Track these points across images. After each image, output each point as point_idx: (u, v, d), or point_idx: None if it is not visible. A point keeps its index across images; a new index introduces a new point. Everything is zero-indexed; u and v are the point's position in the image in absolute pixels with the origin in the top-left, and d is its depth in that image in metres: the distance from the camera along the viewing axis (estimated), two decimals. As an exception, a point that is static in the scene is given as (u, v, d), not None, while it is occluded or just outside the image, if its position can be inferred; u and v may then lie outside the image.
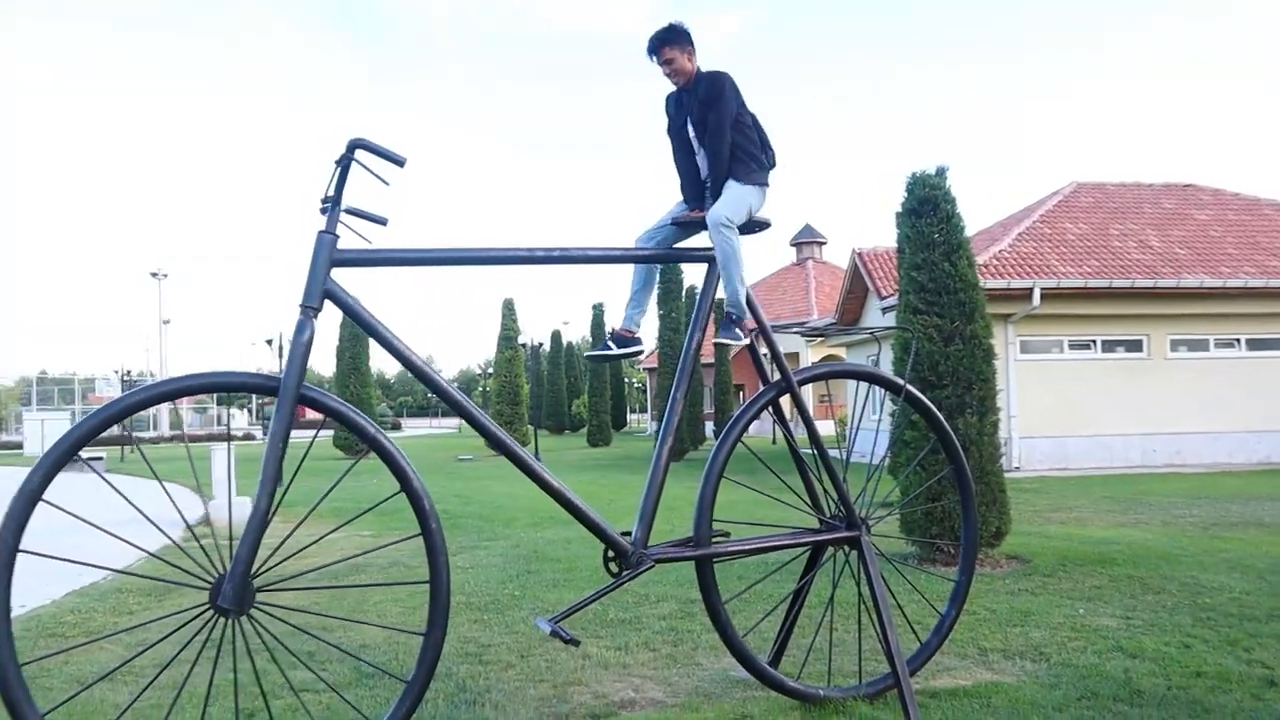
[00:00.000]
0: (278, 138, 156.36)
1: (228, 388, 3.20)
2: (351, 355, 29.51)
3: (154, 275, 53.25)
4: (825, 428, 40.38)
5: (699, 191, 4.18)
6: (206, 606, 3.16)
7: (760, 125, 4.16)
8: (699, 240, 4.16)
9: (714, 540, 4.00)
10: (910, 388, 4.50)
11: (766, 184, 4.10)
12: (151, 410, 65.57)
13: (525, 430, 31.44)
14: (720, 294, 4.03)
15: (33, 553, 2.98)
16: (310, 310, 3.27)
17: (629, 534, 3.83)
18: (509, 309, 32.61)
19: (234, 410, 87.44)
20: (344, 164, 3.21)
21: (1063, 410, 17.44)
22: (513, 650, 5.38)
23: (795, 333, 5.16)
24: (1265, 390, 17.79)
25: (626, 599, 6.64)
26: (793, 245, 50.45)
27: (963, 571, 4.68)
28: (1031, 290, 16.43)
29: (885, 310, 20.74)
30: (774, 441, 35.13)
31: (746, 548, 4.10)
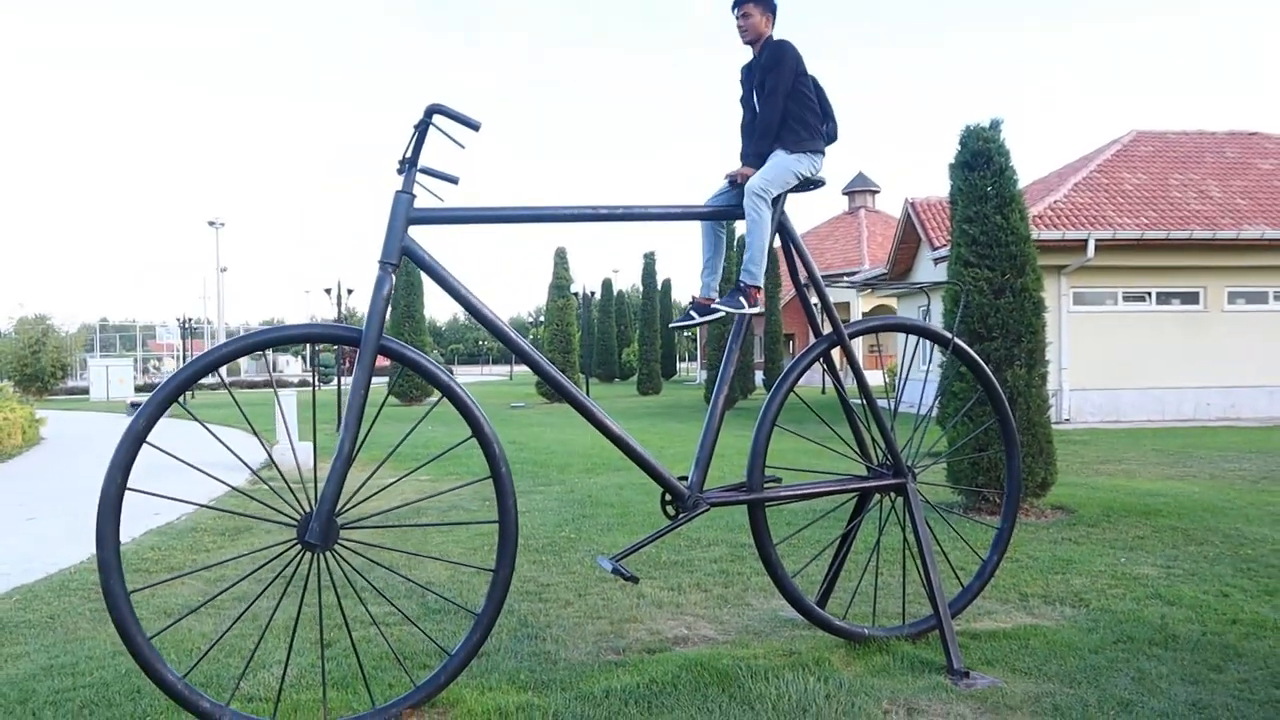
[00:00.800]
0: (338, 95, 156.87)
1: (318, 339, 3.45)
2: (406, 304, 30.03)
3: (211, 224, 54.19)
4: (875, 378, 40.39)
5: (751, 143, 4.33)
6: (294, 543, 3.43)
7: (824, 95, 4.28)
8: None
9: (766, 486, 4.20)
10: (958, 340, 4.64)
11: (820, 152, 4.22)
12: (210, 356, 67.56)
13: (577, 378, 31.83)
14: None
15: (139, 490, 3.28)
16: (389, 266, 3.48)
17: (685, 479, 4.05)
18: (561, 258, 32.83)
19: (289, 358, 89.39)
20: (422, 128, 3.41)
21: (1115, 362, 17.32)
22: (570, 589, 5.67)
23: (845, 285, 5.26)
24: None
25: (679, 543, 6.91)
26: (845, 194, 49.97)
27: (1005, 518, 4.85)
28: (1086, 241, 16.25)
29: (937, 261, 20.62)
30: (823, 391, 35.24)
31: (797, 493, 4.30)
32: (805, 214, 58.75)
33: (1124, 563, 6.15)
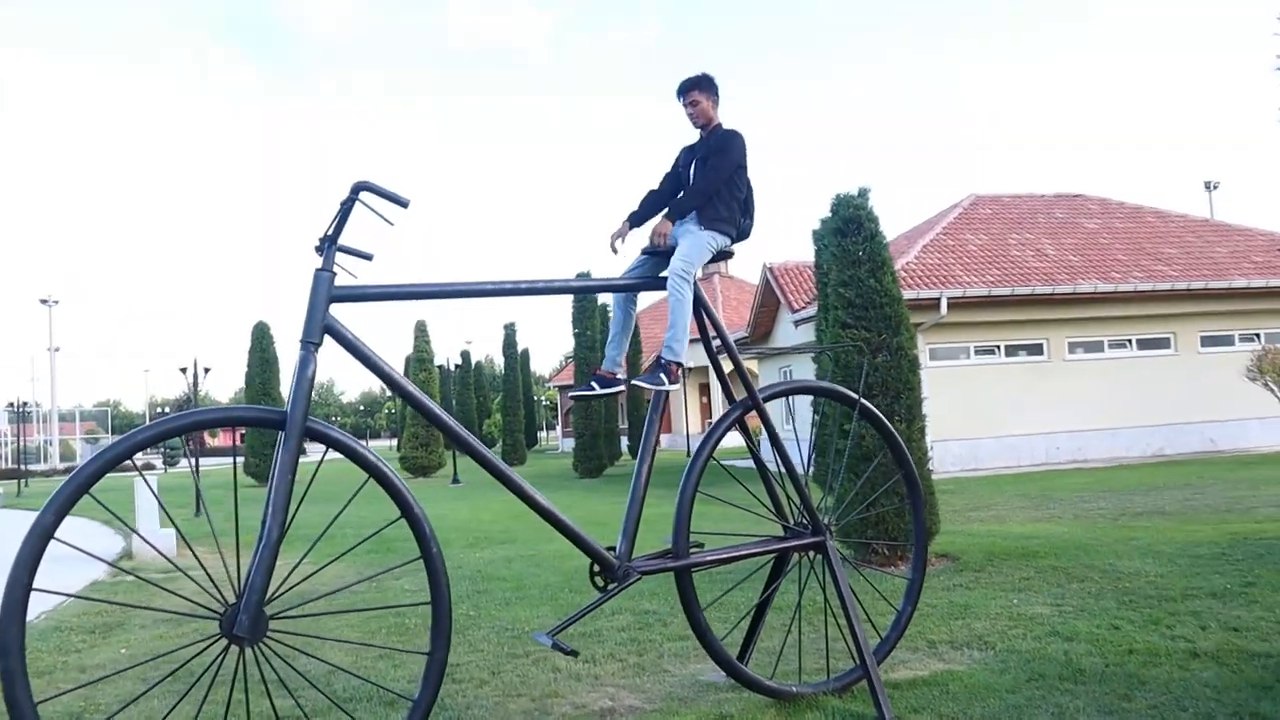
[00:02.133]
0: (168, 157, 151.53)
1: (238, 422, 3.29)
2: (261, 381, 28.95)
3: (44, 302, 51.10)
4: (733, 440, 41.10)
5: (652, 213, 4.43)
6: (218, 637, 3.23)
7: (753, 197, 4.46)
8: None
9: (691, 551, 4.22)
10: (864, 401, 4.82)
11: (730, 236, 4.37)
12: (40, 439, 62.85)
13: (442, 453, 31.20)
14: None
15: (42, 590, 3.04)
16: (311, 345, 3.38)
17: (613, 549, 4.02)
18: (421, 331, 32.33)
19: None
20: (347, 205, 3.34)
21: (971, 413, 18.22)
22: (482, 668, 5.50)
23: (754, 354, 5.32)
24: (1155, 387, 18.90)
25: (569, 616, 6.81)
26: (700, 260, 51.26)
27: (915, 569, 5.00)
28: (939, 300, 17.16)
29: (798, 323, 21.33)
30: (689, 455, 35.67)
31: (722, 556, 4.33)
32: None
33: (1016, 604, 6.41)
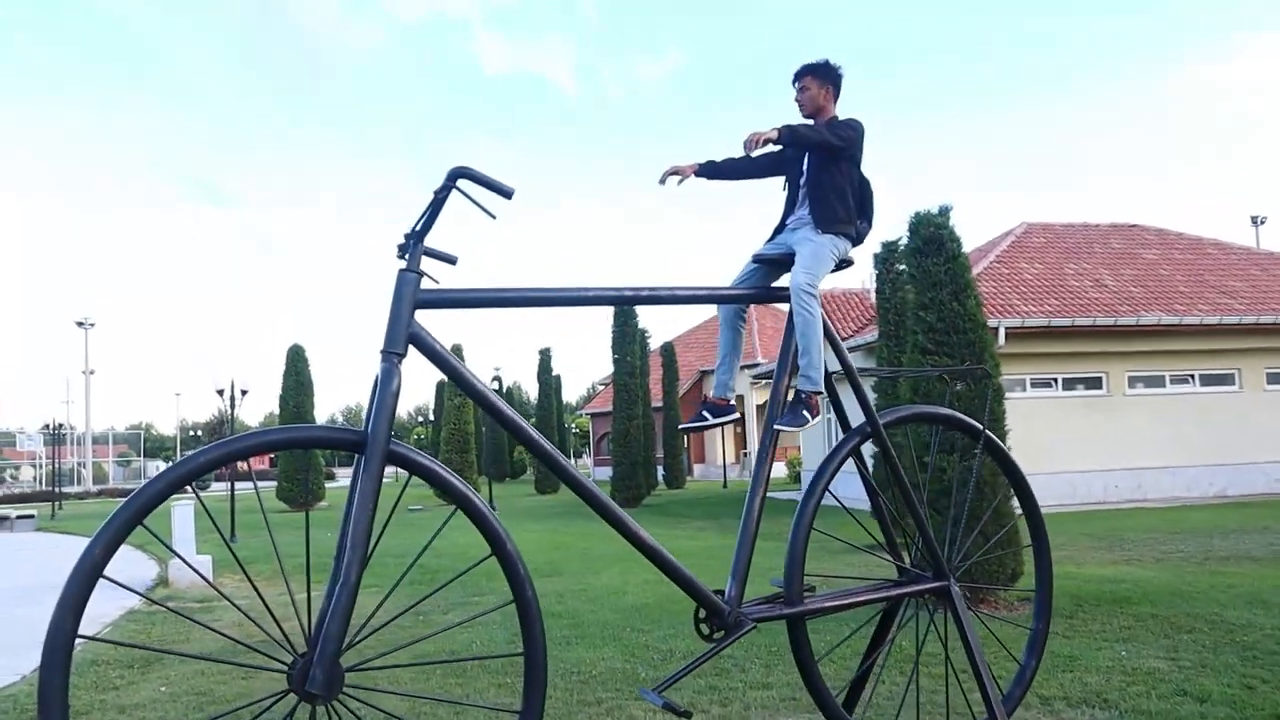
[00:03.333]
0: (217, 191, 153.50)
1: (311, 443, 2.88)
2: (295, 404, 28.70)
3: (80, 324, 51.46)
4: (778, 470, 40.45)
5: (730, 171, 3.97)
6: (286, 693, 2.81)
7: (870, 194, 3.99)
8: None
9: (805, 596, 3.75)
10: (989, 433, 4.36)
11: (850, 239, 3.92)
12: (74, 461, 63.13)
13: (476, 479, 30.83)
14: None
15: (88, 636, 2.63)
16: (395, 357, 2.97)
17: (721, 593, 3.56)
18: (457, 353, 32.01)
19: (159, 462, 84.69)
20: (442, 195, 2.94)
21: (1027, 448, 17.47)
22: (553, 718, 5.04)
23: (870, 374, 4.81)
24: (1218, 425, 18.17)
25: (651, 655, 6.35)
26: (734, 288, 50.93)
27: (1040, 619, 4.53)
28: (997, 329, 16.60)
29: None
30: (725, 486, 34.94)
31: (841, 603, 3.86)
32: (696, 309, 59.91)
33: (1125, 656, 5.87)
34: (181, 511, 11.85)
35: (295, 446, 2.87)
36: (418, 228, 3.04)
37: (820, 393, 3.81)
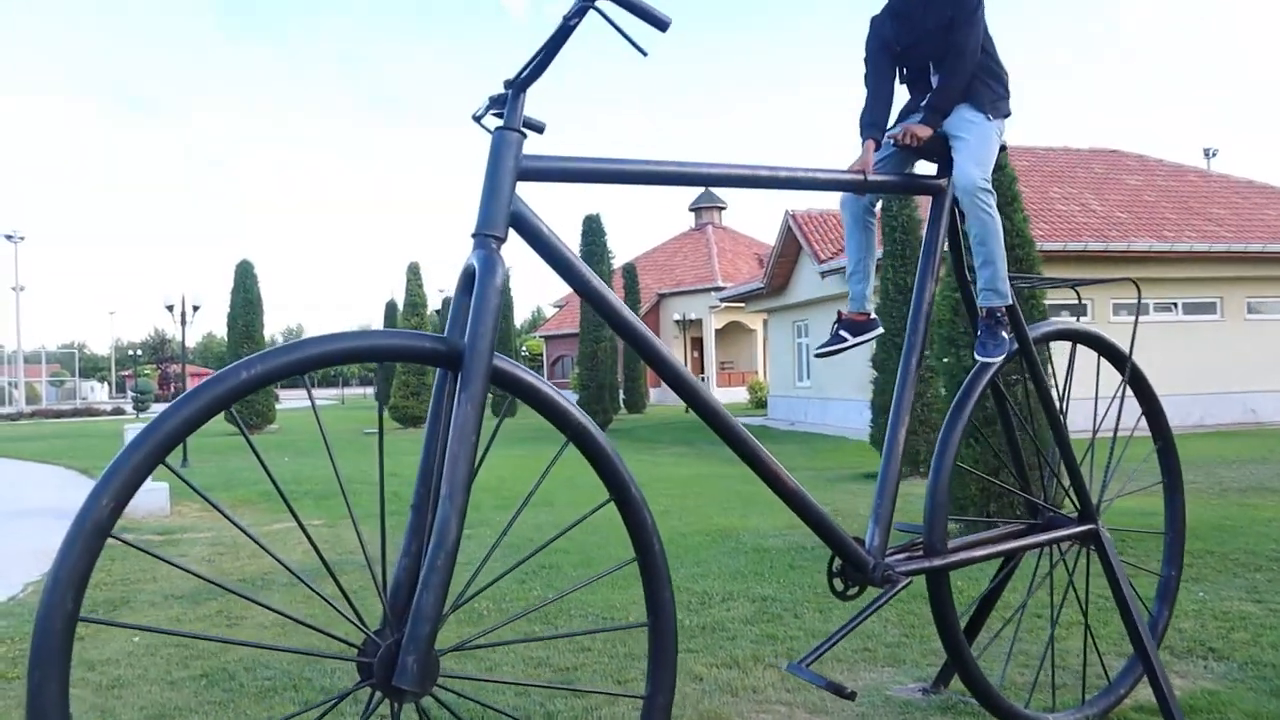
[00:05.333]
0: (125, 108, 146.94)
1: (392, 355, 2.14)
2: (245, 323, 27.36)
3: (9, 238, 48.96)
4: (736, 395, 40.19)
5: (882, 127, 3.24)
6: (361, 684, 2.12)
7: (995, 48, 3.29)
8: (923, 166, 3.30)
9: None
10: (1135, 361, 3.79)
11: (1009, 113, 3.24)
12: (5, 381, 60.67)
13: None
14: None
15: (94, 619, 1.91)
16: (494, 241, 2.24)
17: (861, 541, 2.94)
18: (414, 273, 30.84)
19: (94, 383, 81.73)
20: (573, 23, 2.17)
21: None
22: (601, 674, 4.43)
23: (1051, 285, 4.06)
24: (1199, 353, 17.99)
25: (686, 598, 5.76)
26: (691, 210, 50.01)
27: (1171, 564, 4.05)
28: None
29: (825, 274, 20.26)
30: (687, 411, 34.57)
31: (991, 550, 3.28)
32: (649, 230, 59.06)
33: (1205, 597, 5.45)
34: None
35: (373, 359, 2.13)
36: (524, 74, 2.27)
37: (1011, 306, 3.16)
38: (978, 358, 3.14)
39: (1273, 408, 18.22)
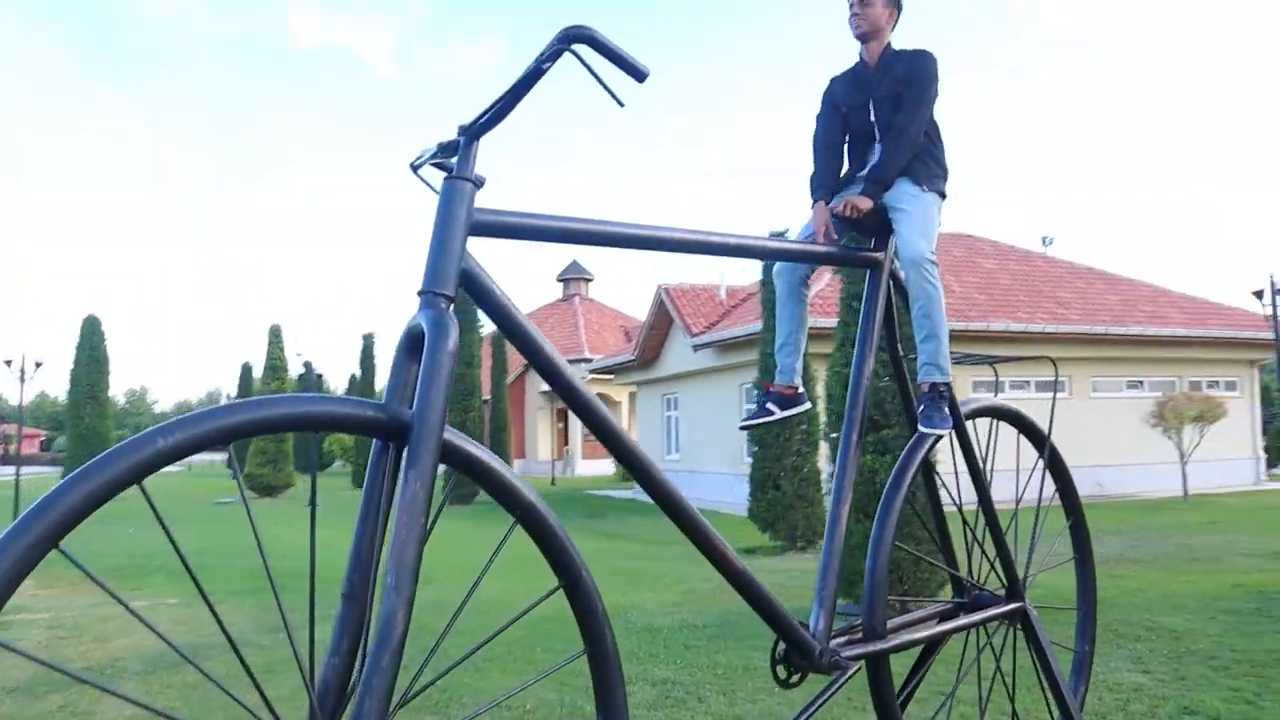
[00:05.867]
0: None
1: (331, 424, 1.90)
2: (89, 382, 25.68)
3: None
4: (598, 468, 39.97)
5: (833, 189, 3.24)
6: None
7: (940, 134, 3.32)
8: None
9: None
10: (1053, 441, 3.84)
11: (945, 195, 3.25)
12: None
13: (291, 472, 28.62)
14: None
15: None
16: (445, 301, 2.05)
17: (805, 625, 2.80)
18: (275, 335, 29.68)
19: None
20: (545, 66, 2.02)
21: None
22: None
23: (976, 361, 4.06)
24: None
25: (582, 681, 5.50)
26: (560, 280, 50.17)
27: (1084, 639, 4.09)
28: (857, 329, 16.62)
29: (697, 348, 20.46)
30: (553, 483, 34.03)
31: (930, 633, 3.20)
32: (517, 298, 59.17)
33: (1095, 669, 5.52)
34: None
35: (309, 428, 1.88)
36: (482, 120, 2.11)
37: (950, 383, 3.12)
38: (923, 430, 3.09)
39: (1117, 481, 19.23)
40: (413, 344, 2.06)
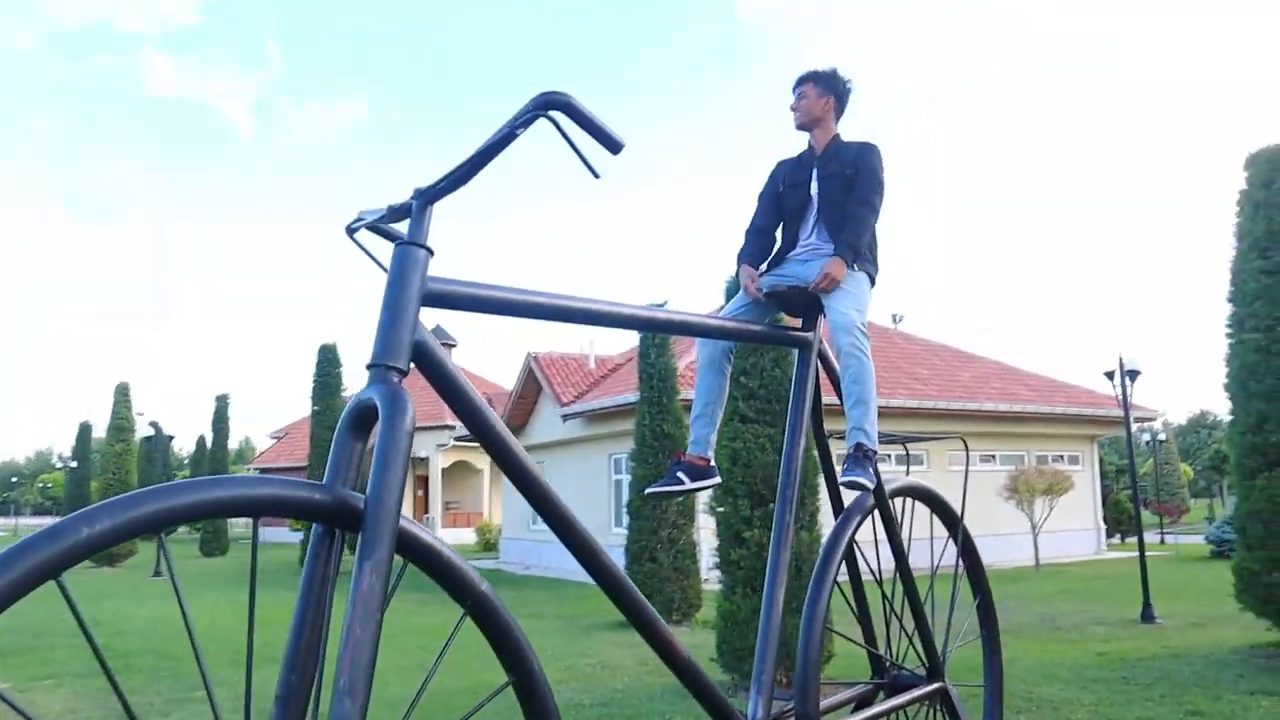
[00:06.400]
0: None
1: (273, 507, 1.73)
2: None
3: None
4: (457, 536, 39.02)
5: (759, 261, 3.33)
6: None
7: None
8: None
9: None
10: (964, 524, 3.91)
11: (874, 280, 3.33)
12: None
13: (138, 542, 26.78)
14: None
15: None
16: (398, 375, 1.92)
17: (743, 712, 2.72)
18: (123, 394, 27.97)
19: None
20: (516, 131, 1.93)
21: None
22: None
23: (896, 440, 4.06)
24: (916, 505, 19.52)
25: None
26: (422, 346, 49.48)
27: (992, 716, 4.10)
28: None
29: (566, 418, 20.32)
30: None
31: (862, 717, 3.15)
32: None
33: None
34: None
35: (250, 512, 1.70)
36: (440, 185, 2.00)
37: (876, 451, 3.14)
38: (845, 479, 3.10)
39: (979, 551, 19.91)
40: (359, 421, 1.92)
